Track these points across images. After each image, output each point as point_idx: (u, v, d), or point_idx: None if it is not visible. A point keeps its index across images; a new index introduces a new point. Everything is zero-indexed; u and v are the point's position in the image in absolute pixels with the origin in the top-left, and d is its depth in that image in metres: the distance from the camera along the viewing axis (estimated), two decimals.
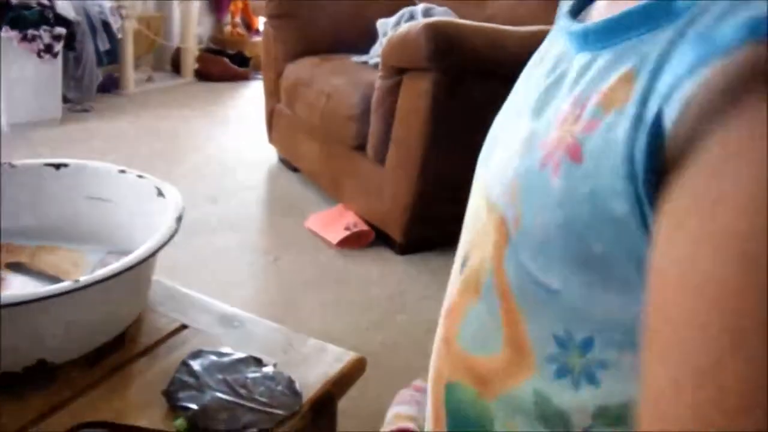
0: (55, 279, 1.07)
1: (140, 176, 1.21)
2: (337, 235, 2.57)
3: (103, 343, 0.97)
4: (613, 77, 0.43)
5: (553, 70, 0.52)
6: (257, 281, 2.48)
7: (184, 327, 1.03)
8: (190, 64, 5.24)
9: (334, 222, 2.65)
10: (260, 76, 3.70)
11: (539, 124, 0.49)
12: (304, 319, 2.16)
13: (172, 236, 0.99)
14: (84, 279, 0.87)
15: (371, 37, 2.97)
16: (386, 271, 2.46)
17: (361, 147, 2.56)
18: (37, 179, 1.21)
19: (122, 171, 1.23)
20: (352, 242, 2.57)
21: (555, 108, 0.48)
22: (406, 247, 2.52)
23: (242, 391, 0.87)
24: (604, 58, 0.45)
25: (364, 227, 2.60)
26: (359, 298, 2.31)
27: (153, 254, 0.95)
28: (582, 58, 0.48)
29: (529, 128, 0.50)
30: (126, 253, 0.96)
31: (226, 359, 0.93)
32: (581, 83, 0.46)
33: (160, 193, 1.15)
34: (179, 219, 1.04)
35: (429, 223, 2.51)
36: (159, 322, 1.04)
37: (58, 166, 1.22)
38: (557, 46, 0.54)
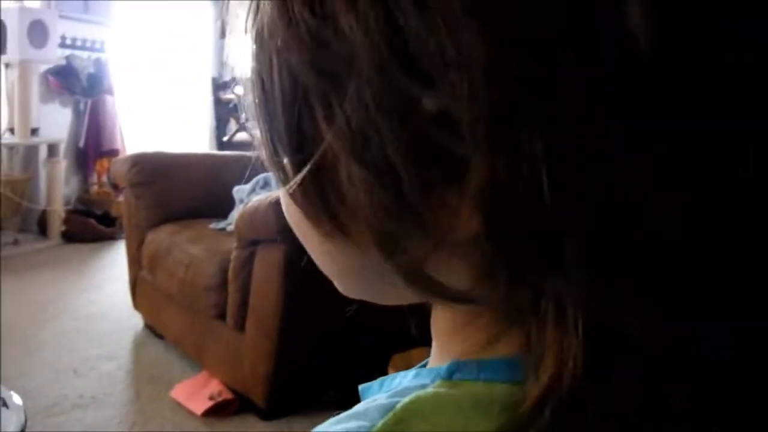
0: None
1: None
2: (200, 405, 2.55)
3: None
4: None
5: None
6: None
7: None
8: (57, 225, 5.18)
9: (199, 391, 2.63)
10: None
11: None
12: None
13: None
14: None
15: (230, 202, 3.05)
16: None
17: (221, 315, 2.59)
18: None
19: None
20: (216, 411, 2.55)
21: None
22: (271, 413, 2.53)
23: None
24: None
25: (228, 395, 2.59)
26: None
27: None
28: None
29: None
30: None
31: None
32: None
33: (5, 404, 1.16)
34: None
35: (292, 388, 2.54)
36: None
37: None
38: None
